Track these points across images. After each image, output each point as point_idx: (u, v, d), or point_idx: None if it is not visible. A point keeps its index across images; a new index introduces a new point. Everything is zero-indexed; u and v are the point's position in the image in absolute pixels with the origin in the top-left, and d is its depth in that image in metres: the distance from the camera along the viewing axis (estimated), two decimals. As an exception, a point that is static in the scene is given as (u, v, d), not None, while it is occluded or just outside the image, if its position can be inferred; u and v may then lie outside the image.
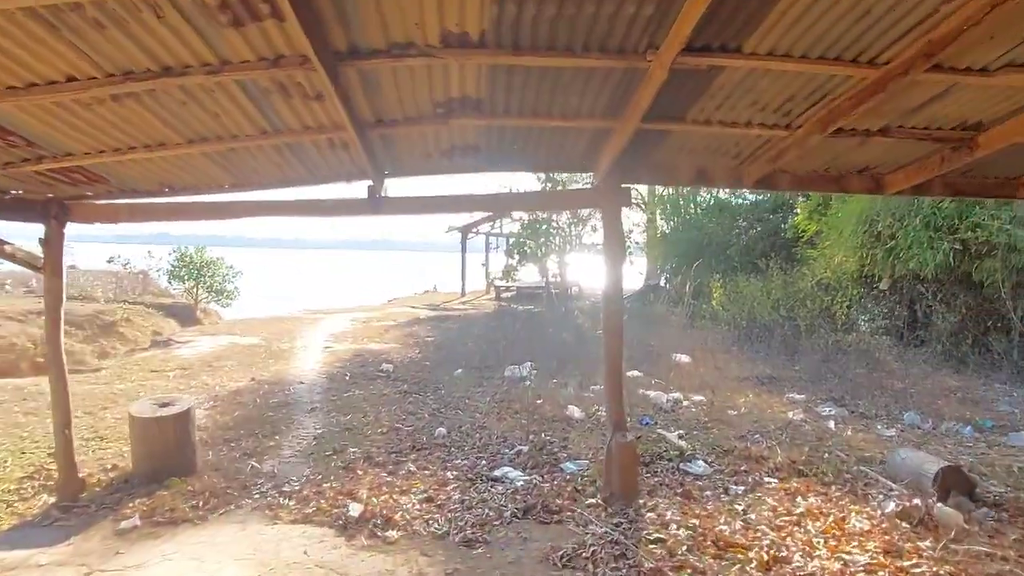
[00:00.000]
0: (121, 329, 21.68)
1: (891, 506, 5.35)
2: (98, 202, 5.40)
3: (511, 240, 29.25)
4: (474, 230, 30.03)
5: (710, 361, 11.83)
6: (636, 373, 10.98)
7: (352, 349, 12.56)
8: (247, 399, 8.73)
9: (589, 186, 5.42)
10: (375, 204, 5.41)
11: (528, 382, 10.06)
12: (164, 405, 6.00)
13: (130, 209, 5.36)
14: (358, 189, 5.54)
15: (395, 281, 48.64)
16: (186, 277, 26.73)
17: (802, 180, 5.78)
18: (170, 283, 27.34)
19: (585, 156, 5.63)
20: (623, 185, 5.57)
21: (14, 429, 7.36)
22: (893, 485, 5.80)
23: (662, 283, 27.85)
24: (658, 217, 30.14)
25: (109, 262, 29.94)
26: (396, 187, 5.52)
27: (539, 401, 8.72)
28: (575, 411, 8.20)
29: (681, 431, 7.41)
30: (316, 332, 14.91)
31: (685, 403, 9.00)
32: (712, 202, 26.31)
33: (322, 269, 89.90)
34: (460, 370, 10.60)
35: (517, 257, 25.52)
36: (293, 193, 5.61)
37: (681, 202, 27.30)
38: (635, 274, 29.18)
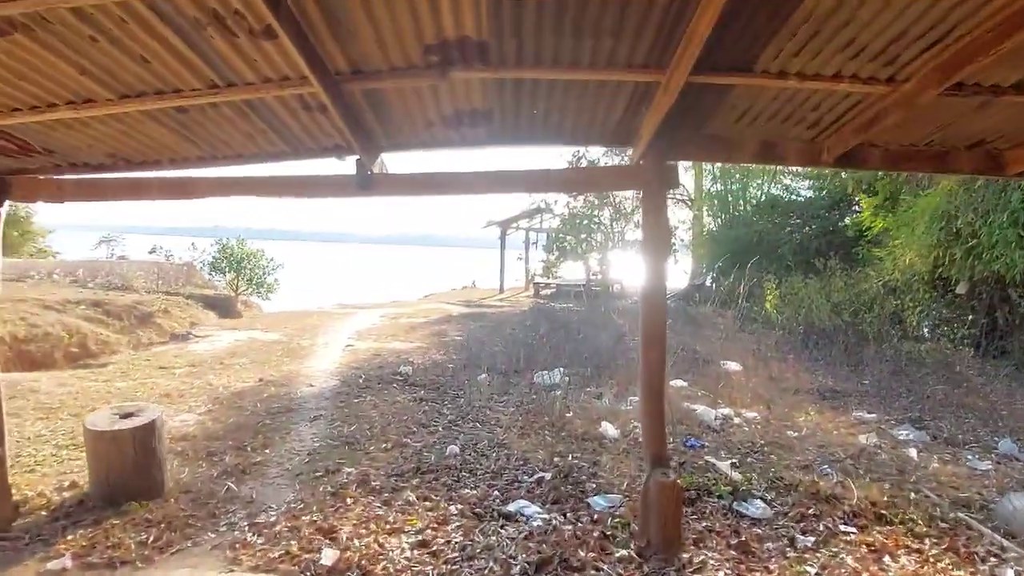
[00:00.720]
0: (158, 320, 21.40)
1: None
2: (41, 177, 4.53)
3: (550, 236, 28.21)
4: (513, 225, 29.00)
5: (763, 370, 10.53)
6: (680, 383, 9.79)
7: (374, 348, 11.65)
8: (247, 403, 7.86)
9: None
10: (363, 182, 4.40)
11: (559, 391, 8.97)
12: (126, 416, 5.11)
13: (77, 186, 4.47)
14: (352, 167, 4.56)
15: (434, 277, 48.03)
16: (227, 269, 26.49)
17: (896, 157, 4.53)
18: (211, 275, 27.18)
19: (622, 126, 4.50)
20: (669, 162, 4.44)
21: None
22: (1006, 544, 4.53)
23: (707, 283, 26.39)
24: (704, 214, 28.66)
25: (151, 253, 30.01)
26: (401, 167, 4.51)
27: (569, 414, 7.62)
28: (609, 428, 7.07)
29: (733, 459, 6.23)
30: (341, 328, 14.09)
31: (736, 420, 7.79)
32: (763, 198, 24.74)
33: (364, 263, 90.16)
34: (484, 374, 9.57)
35: (557, 253, 24.45)
36: (275, 171, 4.63)
37: (730, 198, 25.74)
38: (678, 273, 27.79)
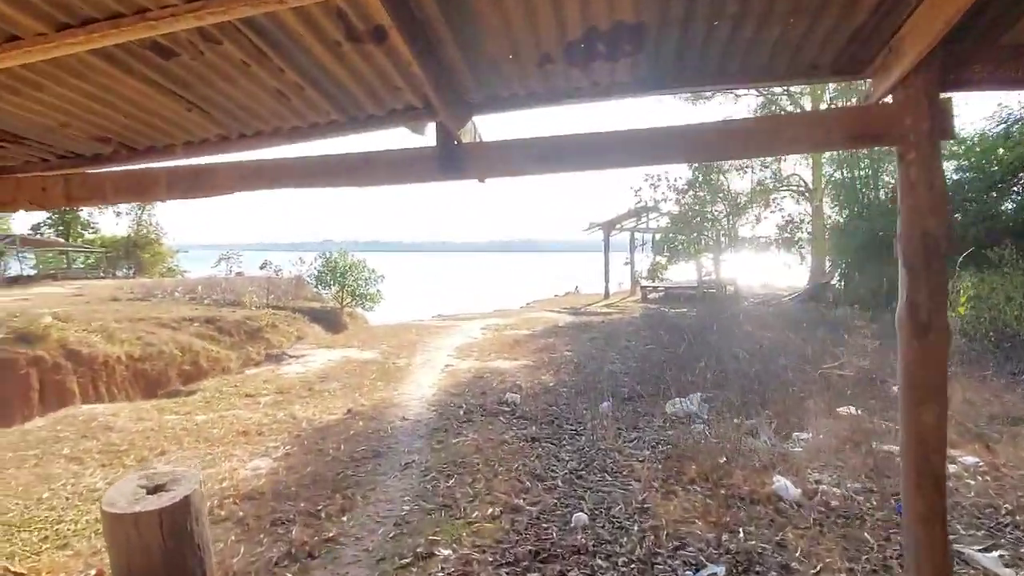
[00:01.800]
0: (267, 335, 21.22)
1: None
2: (20, 176, 3.30)
3: (659, 236, 26.05)
4: (617, 227, 27.02)
5: (954, 391, 8.21)
6: (849, 410, 7.71)
7: (475, 368, 10.19)
8: (330, 444, 6.53)
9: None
10: (448, 157, 2.85)
11: (699, 423, 7.13)
12: (155, 489, 3.81)
13: (65, 184, 3.18)
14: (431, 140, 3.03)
15: (536, 283, 46.63)
16: (331, 282, 26.25)
17: None
18: (317, 288, 27.06)
19: (857, 43, 2.72)
20: (944, 95, 2.61)
21: (35, 487, 5.59)
22: None
23: (834, 282, 23.36)
24: (826, 206, 25.53)
25: (261, 268, 30.31)
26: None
27: (723, 460, 5.79)
28: (786, 485, 5.17)
29: (989, 541, 4.21)
30: (441, 344, 12.78)
31: (952, 468, 5.69)
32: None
33: (465, 272, 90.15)
34: (606, 403, 7.84)
35: (667, 254, 22.31)
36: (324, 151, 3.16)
37: (859, 186, 22.65)
38: (797, 272, 24.85)
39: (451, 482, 5.44)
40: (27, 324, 16.08)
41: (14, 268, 38.88)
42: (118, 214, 41.47)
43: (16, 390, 14.23)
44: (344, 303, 25.72)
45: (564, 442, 6.51)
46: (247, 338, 20.42)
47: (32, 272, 37.42)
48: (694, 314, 17.35)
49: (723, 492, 5.14)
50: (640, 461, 5.90)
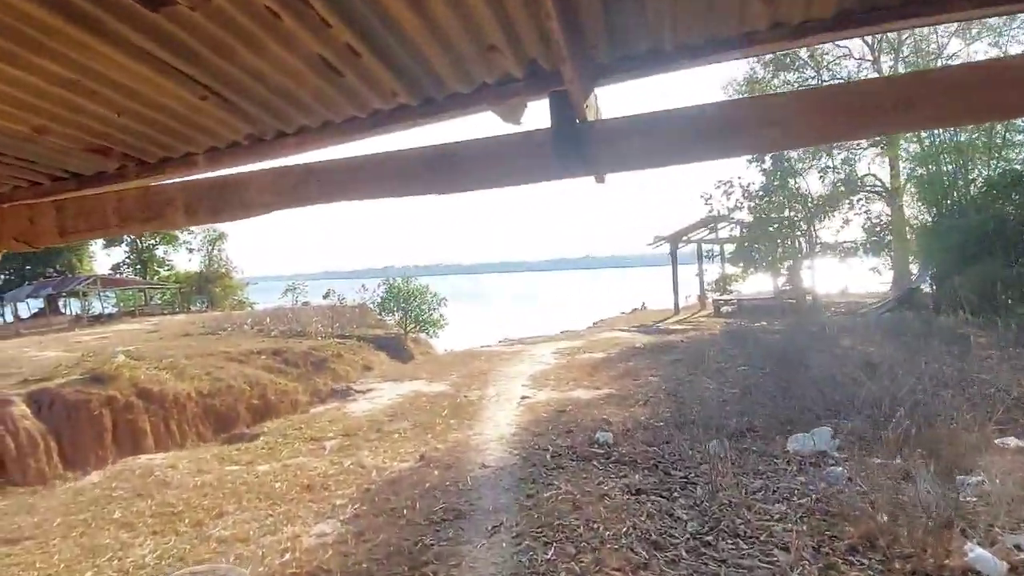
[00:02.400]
0: (332, 365, 20.85)
1: None
2: (6, 206, 2.55)
3: (734, 246, 24.59)
4: (684, 238, 25.64)
5: None
6: (1014, 441, 6.38)
7: (555, 401, 9.19)
8: (404, 499, 5.65)
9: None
10: (567, 144, 1.93)
11: (836, 465, 5.94)
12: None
13: (58, 213, 2.42)
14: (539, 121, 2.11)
15: (600, 300, 45.31)
16: (395, 308, 25.87)
17: None
18: (381, 315, 26.72)
19: None
20: None
21: (79, 562, 4.88)
22: None
23: (923, 286, 21.36)
24: (906, 205, 23.55)
25: (325, 297, 30.25)
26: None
27: (883, 518, 4.60)
28: (988, 557, 3.98)
29: None
30: (513, 372, 11.84)
31: None
32: (996, 175, 19.57)
33: (527, 292, 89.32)
34: (715, 440, 6.71)
35: (742, 265, 20.84)
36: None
37: (947, 181, 20.64)
38: (859, 278, 22.93)
39: (550, 553, 4.45)
40: (101, 363, 16.07)
41: (97, 307, 40.37)
42: (190, 250, 42.72)
43: (90, 432, 14.07)
44: (408, 329, 25.27)
45: (676, 494, 5.43)
46: (314, 369, 20.05)
47: (113, 310, 38.71)
48: (780, 328, 15.89)
49: (900, 566, 3.98)
50: (778, 520, 4.77)
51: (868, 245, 19.90)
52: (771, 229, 19.51)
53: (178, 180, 2.38)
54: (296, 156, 2.34)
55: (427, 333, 26.19)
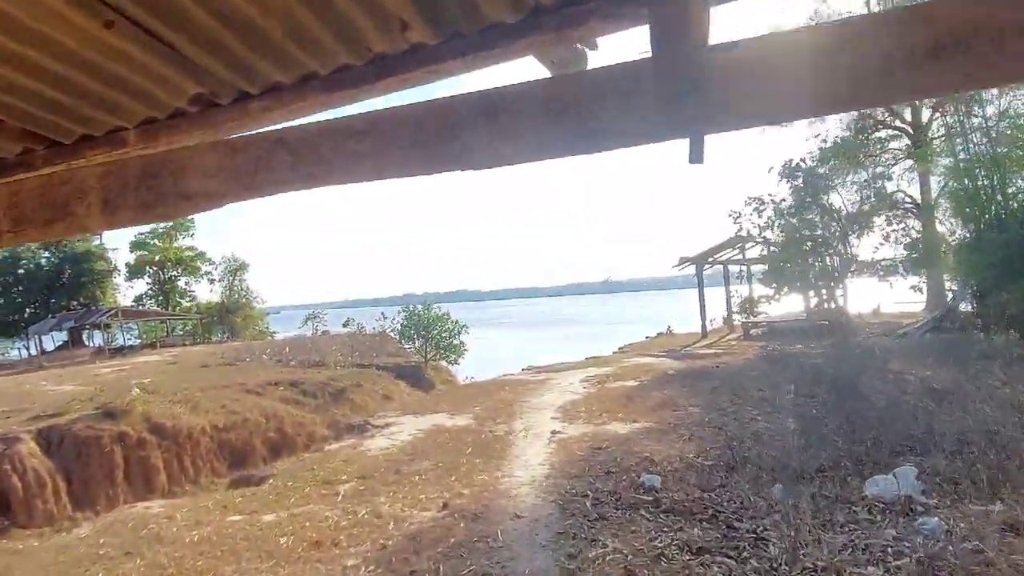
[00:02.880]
0: (351, 395, 20.14)
1: None
2: None
3: (764, 266, 23.65)
4: (711, 259, 24.75)
5: None
6: None
7: (589, 436, 8.32)
8: (425, 560, 4.82)
9: None
10: (680, 78, 1.18)
11: (926, 512, 5.03)
12: None
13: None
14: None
15: (624, 324, 44.27)
16: (414, 336, 25.20)
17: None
18: (401, 342, 26.05)
19: None
20: None
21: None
22: None
23: (963, 305, 20.17)
24: (939, 221, 22.45)
25: (345, 326, 29.69)
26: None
27: (1011, 588, 3.71)
28: None
29: None
30: (540, 403, 11.01)
31: None
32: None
33: (549, 318, 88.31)
34: (778, 484, 5.83)
35: (775, 286, 19.85)
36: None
37: (984, 194, 19.58)
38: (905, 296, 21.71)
39: (604, 636, 3.61)
40: (114, 398, 15.51)
41: (120, 339, 40.22)
42: (211, 280, 42.57)
43: (100, 470, 13.44)
44: (428, 357, 24.57)
45: (745, 553, 4.56)
46: (332, 400, 19.36)
47: (135, 342, 38.50)
48: (820, 351, 14.90)
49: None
50: (880, 591, 3.90)
51: (907, 263, 18.87)
52: (804, 248, 18.54)
53: (95, 164, 1.68)
54: (261, 128, 1.63)
55: (448, 361, 25.49)
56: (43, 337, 39.18)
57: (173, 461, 14.89)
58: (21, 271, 39.43)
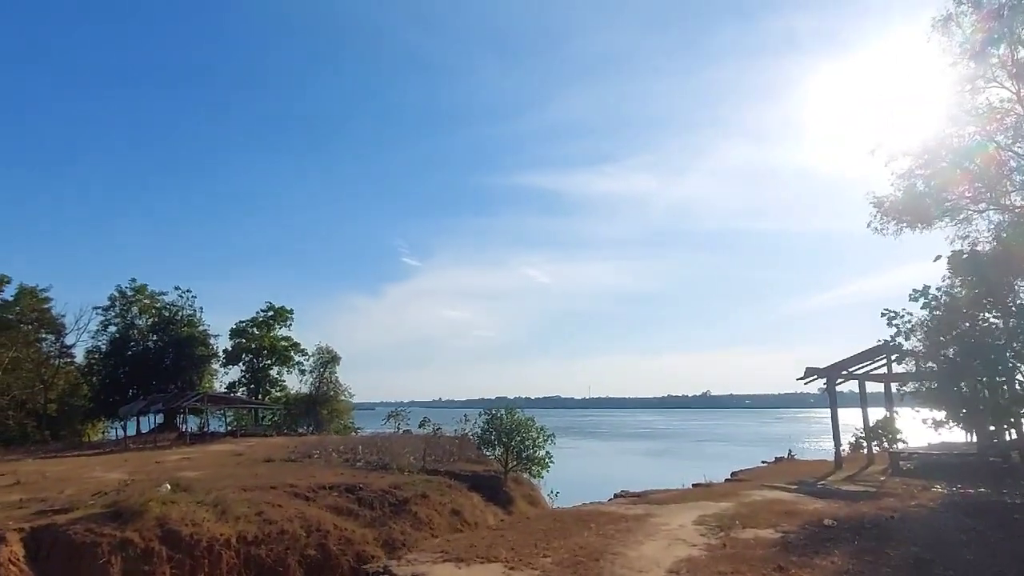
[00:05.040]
0: (414, 508, 16.76)
1: None
2: None
3: (911, 384, 18.81)
4: (845, 371, 20.08)
5: None
6: None
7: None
8: None
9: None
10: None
11: None
12: None
13: None
14: None
15: (733, 445, 38.65)
16: (495, 442, 21.67)
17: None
18: (480, 449, 22.62)
19: None
20: None
21: None
22: None
23: None
24: None
25: (421, 427, 26.60)
26: None
27: None
28: None
29: None
30: (640, 558, 7.33)
31: None
32: None
33: (642, 430, 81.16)
34: None
35: (944, 410, 15.00)
36: None
37: None
38: None
39: None
40: (135, 494, 13.06)
41: (213, 424, 39.32)
42: (303, 371, 41.48)
43: (88, 586, 10.72)
44: (509, 467, 20.98)
45: None
46: (391, 512, 16.03)
47: (221, 429, 37.38)
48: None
49: None
50: None
51: None
52: (977, 363, 13.92)
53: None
54: None
55: (531, 473, 21.70)
56: (141, 419, 38.97)
57: (183, 580, 11.95)
58: (129, 353, 40.08)
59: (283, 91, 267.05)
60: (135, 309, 41.28)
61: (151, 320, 41.52)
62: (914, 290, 14.18)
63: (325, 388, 40.76)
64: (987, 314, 13.67)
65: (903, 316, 14.53)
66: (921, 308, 14.09)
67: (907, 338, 15.23)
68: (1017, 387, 12.40)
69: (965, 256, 13.97)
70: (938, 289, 13.97)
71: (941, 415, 14.23)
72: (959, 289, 13.96)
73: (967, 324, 13.88)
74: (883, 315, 14.44)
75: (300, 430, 37.91)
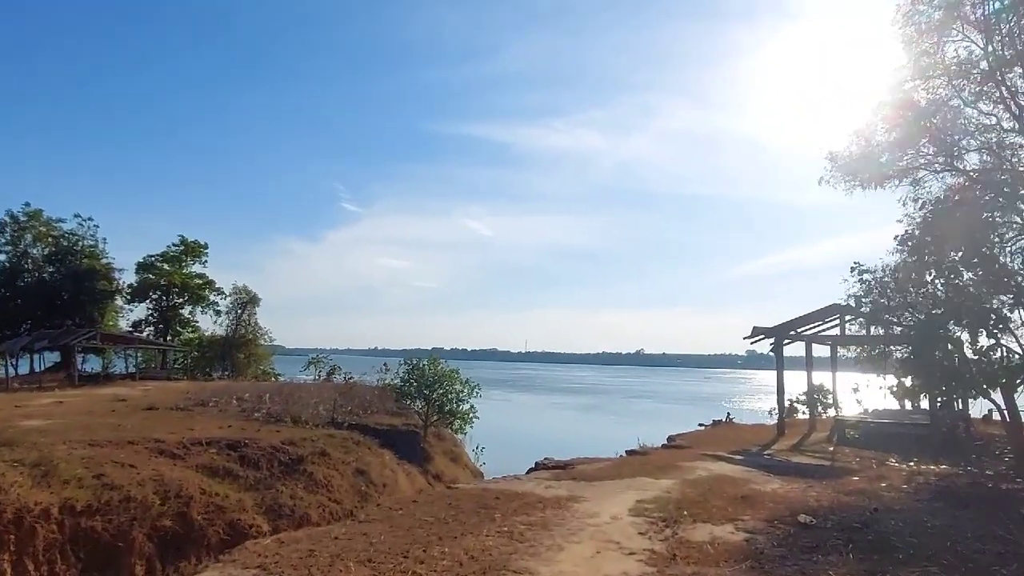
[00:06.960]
0: (310, 468, 13.85)
1: None
2: None
3: (860, 348, 17.20)
4: (794, 331, 18.30)
5: None
6: None
7: None
8: None
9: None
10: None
11: None
12: None
13: None
14: None
15: (667, 405, 37.28)
16: (415, 394, 19.04)
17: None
18: (398, 401, 19.95)
19: None
20: None
21: None
22: None
23: None
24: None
25: (330, 375, 23.73)
26: None
27: None
28: None
29: None
30: (560, 572, 4.90)
31: None
32: None
33: (574, 385, 79.88)
34: None
35: (911, 376, 13.17)
36: None
37: None
38: None
39: None
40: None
41: (120, 366, 35.28)
42: (218, 312, 37.50)
43: None
44: (430, 421, 18.46)
45: None
46: (281, 473, 13.08)
47: (123, 371, 33.49)
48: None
49: None
50: None
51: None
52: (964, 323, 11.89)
53: None
54: None
55: (453, 428, 19.33)
56: (35, 357, 34.57)
57: (-26, 565, 8.90)
58: (21, 284, 35.22)
59: (217, 9, 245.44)
60: (29, 236, 36.12)
61: (47, 249, 36.48)
62: (895, 236, 12.09)
63: (243, 331, 37.03)
64: (967, 272, 11.74)
65: (873, 271, 12.48)
66: (898, 246, 12.07)
67: (867, 295, 13.25)
68: (1006, 352, 10.56)
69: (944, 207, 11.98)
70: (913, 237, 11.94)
71: (908, 382, 12.34)
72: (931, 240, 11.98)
73: (942, 280, 11.93)
74: (852, 269, 12.36)
75: (215, 375, 34.33)
